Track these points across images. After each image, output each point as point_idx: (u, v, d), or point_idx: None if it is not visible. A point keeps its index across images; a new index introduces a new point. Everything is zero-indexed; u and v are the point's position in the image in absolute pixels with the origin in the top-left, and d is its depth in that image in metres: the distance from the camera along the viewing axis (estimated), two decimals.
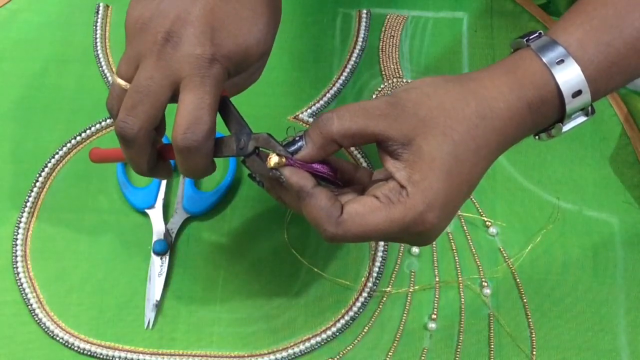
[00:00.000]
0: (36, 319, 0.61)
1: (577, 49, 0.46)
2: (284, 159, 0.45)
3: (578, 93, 0.46)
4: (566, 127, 0.48)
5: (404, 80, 0.71)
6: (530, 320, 0.61)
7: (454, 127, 0.44)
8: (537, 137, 0.50)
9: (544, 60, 0.46)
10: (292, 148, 0.46)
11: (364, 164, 0.67)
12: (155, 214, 0.64)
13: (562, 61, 0.45)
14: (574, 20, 0.47)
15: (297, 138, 0.46)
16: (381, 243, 0.63)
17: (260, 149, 0.47)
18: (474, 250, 0.64)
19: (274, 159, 0.45)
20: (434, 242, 0.63)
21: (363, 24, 0.74)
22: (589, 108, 0.48)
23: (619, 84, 0.49)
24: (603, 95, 0.49)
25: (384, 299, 0.62)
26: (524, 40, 0.48)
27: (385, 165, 0.45)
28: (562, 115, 0.47)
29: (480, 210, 0.65)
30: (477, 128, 0.44)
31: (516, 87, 0.45)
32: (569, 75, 0.45)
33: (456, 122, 0.44)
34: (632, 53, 0.47)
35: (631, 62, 0.48)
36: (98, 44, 0.72)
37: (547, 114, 0.47)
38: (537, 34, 0.48)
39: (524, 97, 0.45)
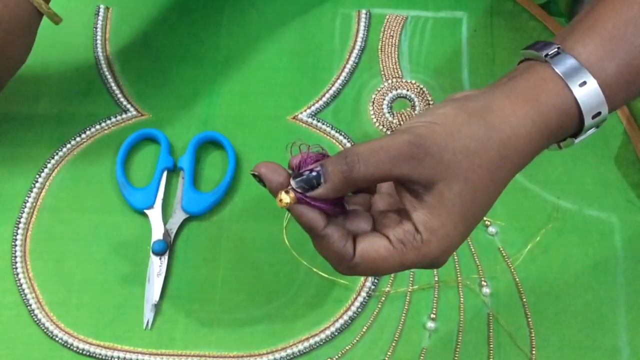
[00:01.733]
0: (35, 319, 0.61)
1: (599, 70, 0.45)
2: (293, 195, 0.42)
3: (597, 115, 0.45)
4: (577, 140, 0.48)
5: (404, 80, 0.71)
6: (529, 319, 0.61)
7: (476, 170, 0.43)
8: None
9: (569, 83, 0.44)
10: (303, 178, 0.42)
11: None
12: (154, 215, 0.64)
13: (584, 83, 0.44)
14: (592, 37, 0.46)
15: (313, 172, 0.42)
16: None
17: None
18: (473, 250, 0.63)
19: (284, 199, 0.42)
20: None
21: (362, 24, 0.74)
22: None
23: (632, 99, 0.49)
24: (615, 110, 0.48)
25: (383, 298, 0.62)
26: (542, 54, 0.46)
27: (403, 200, 0.43)
28: (576, 132, 0.47)
29: None
30: (498, 170, 0.44)
31: (538, 117, 0.44)
32: (591, 99, 0.45)
33: (478, 167, 0.43)
34: None
35: None
36: (98, 45, 0.73)
37: (564, 135, 0.47)
38: (554, 49, 0.46)
39: (545, 127, 0.45)
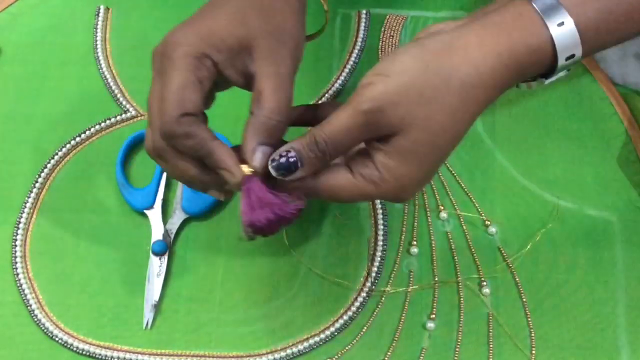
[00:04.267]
0: (35, 319, 0.61)
1: (578, 12, 0.45)
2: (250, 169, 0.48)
3: (571, 57, 0.45)
4: (548, 81, 0.48)
5: None
6: (529, 319, 0.61)
7: (435, 117, 0.44)
8: (516, 86, 0.49)
9: (547, 21, 0.44)
10: (282, 164, 0.46)
11: None
12: (154, 215, 0.64)
13: (562, 23, 0.44)
14: None
15: (289, 159, 0.46)
16: (380, 243, 0.63)
17: None
18: (473, 250, 0.63)
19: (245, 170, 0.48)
20: (433, 242, 0.63)
21: (362, 24, 0.74)
22: None
23: (608, 47, 0.49)
24: (587, 56, 0.48)
25: (383, 298, 0.62)
26: None
27: (367, 146, 0.47)
28: (547, 72, 0.47)
29: (479, 210, 0.65)
30: (459, 112, 0.45)
31: (506, 52, 0.44)
32: (567, 39, 0.45)
33: (436, 112, 0.44)
34: (630, 23, 0.46)
35: (627, 30, 0.47)
36: (98, 46, 0.73)
37: (534, 73, 0.47)
38: None
39: (513, 62, 0.45)
